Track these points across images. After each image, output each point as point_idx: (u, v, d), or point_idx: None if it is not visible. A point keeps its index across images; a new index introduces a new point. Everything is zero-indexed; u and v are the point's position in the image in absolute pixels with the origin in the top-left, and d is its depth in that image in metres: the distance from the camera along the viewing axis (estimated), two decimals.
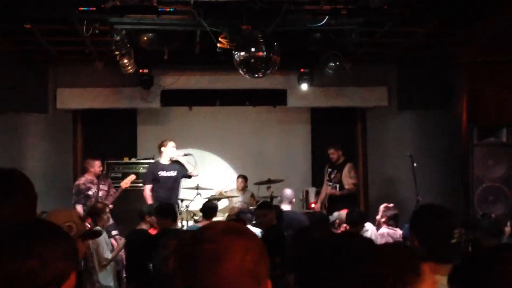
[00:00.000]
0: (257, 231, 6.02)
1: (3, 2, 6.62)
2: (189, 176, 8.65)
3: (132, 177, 8.59)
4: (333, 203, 8.94)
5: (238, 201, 9.76)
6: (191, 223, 8.57)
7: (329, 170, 9.39)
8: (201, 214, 8.88)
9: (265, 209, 6.63)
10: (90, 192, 8.32)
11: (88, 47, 8.61)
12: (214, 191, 9.52)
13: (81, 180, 8.50)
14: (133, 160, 9.83)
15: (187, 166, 8.52)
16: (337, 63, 8.56)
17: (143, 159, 9.79)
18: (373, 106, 10.32)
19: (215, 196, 9.30)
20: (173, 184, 8.52)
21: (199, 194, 8.99)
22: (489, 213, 7.94)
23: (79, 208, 8.10)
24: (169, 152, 8.52)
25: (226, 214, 9.24)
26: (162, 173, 8.48)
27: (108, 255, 6.43)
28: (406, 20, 7.66)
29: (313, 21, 6.97)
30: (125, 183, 8.49)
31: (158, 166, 8.53)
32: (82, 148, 10.34)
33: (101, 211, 6.72)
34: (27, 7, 6.80)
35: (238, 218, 7.43)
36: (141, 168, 9.59)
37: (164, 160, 8.55)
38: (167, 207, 7.08)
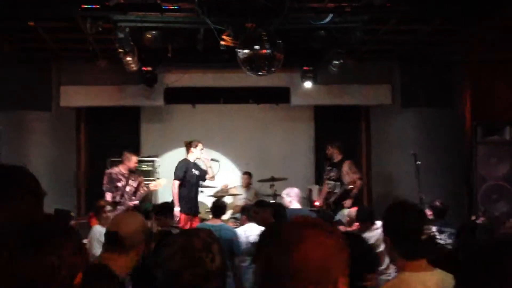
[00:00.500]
0: (262, 228, 6.01)
1: (6, 0, 6.63)
2: (205, 179, 8.79)
3: (163, 181, 8.70)
4: (338, 202, 8.90)
5: (241, 198, 9.78)
6: None
7: (328, 168, 9.35)
8: (204, 211, 8.93)
9: (259, 207, 6.69)
10: (119, 184, 8.17)
11: (91, 45, 8.60)
12: (218, 188, 9.53)
13: (114, 170, 8.33)
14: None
15: (209, 170, 8.80)
16: (341, 61, 8.54)
17: (147, 157, 9.80)
18: (377, 104, 10.30)
19: (218, 193, 9.32)
20: (197, 183, 8.77)
21: (202, 191, 9.02)
22: (490, 211, 7.94)
23: (109, 196, 7.99)
24: (198, 153, 8.74)
25: (230, 211, 9.27)
26: (194, 171, 8.69)
27: (97, 252, 6.41)
28: (410, 18, 7.65)
29: (316, 18, 6.97)
30: (155, 185, 8.64)
31: (190, 164, 8.72)
32: (86, 146, 10.36)
33: (101, 209, 6.66)
34: (30, 5, 6.79)
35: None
36: (144, 166, 9.60)
37: (192, 159, 8.74)
38: (167, 205, 7.15)
